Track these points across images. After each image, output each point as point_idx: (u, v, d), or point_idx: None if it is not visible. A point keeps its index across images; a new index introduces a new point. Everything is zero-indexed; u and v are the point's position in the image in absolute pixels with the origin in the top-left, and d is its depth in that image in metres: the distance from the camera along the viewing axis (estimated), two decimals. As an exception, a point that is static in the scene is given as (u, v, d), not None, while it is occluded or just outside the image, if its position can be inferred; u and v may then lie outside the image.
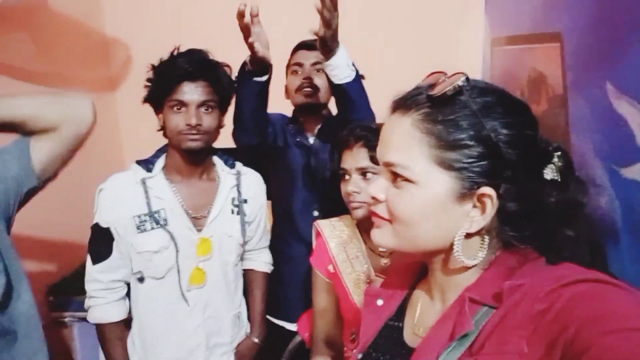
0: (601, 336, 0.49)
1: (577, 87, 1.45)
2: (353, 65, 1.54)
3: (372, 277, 1.30)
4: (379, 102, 1.74)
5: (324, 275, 1.34)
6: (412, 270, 0.84)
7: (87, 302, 1.45)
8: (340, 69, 1.50)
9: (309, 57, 1.77)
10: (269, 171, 1.86)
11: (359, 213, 1.26)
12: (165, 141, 1.50)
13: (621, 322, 0.49)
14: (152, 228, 1.39)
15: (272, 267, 1.73)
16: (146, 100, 1.46)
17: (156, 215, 1.39)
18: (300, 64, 1.78)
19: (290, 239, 1.83)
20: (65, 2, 2.35)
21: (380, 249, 1.31)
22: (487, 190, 0.64)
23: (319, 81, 1.75)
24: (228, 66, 1.50)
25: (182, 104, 1.38)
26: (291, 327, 1.79)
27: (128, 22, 2.76)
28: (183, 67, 1.37)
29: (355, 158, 1.25)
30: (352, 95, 1.54)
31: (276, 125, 1.86)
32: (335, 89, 1.57)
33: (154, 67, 1.44)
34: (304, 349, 1.54)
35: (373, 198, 0.70)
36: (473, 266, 0.68)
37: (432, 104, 0.65)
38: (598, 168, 1.27)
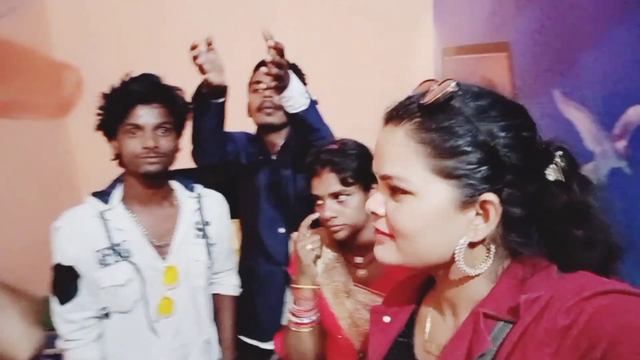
0: (637, 356, 0.46)
1: (526, 93, 1.52)
2: (307, 92, 1.56)
3: (350, 287, 1.31)
4: (332, 114, 1.79)
5: None
6: (417, 283, 0.81)
7: (63, 345, 1.39)
8: (295, 99, 1.51)
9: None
10: (237, 189, 1.85)
11: (342, 235, 1.26)
12: (120, 171, 1.46)
13: None
14: (116, 261, 1.35)
15: (240, 290, 1.70)
16: (98, 127, 1.42)
17: (118, 247, 1.36)
18: (260, 82, 1.74)
19: (258, 257, 1.82)
20: (10, 28, 2.27)
21: (357, 260, 1.33)
22: (489, 196, 0.61)
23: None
24: (180, 90, 1.49)
25: (138, 127, 1.35)
26: (264, 346, 1.78)
27: (77, 45, 2.67)
28: (137, 90, 1.36)
29: (325, 184, 1.25)
30: (309, 121, 1.55)
31: (239, 143, 1.85)
32: (292, 118, 1.58)
33: (104, 94, 1.41)
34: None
35: (373, 213, 0.68)
36: (478, 277, 0.65)
37: (425, 113, 0.63)
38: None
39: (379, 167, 0.67)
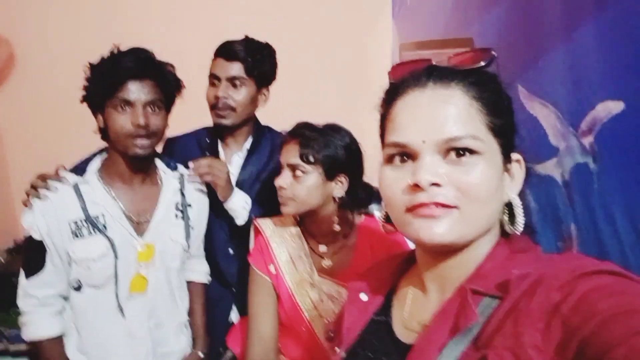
0: (631, 336, 0.45)
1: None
2: (247, 203, 1.55)
3: (315, 278, 1.27)
4: (289, 105, 1.72)
5: (265, 274, 1.29)
6: (395, 263, 0.80)
7: (21, 319, 1.35)
8: (237, 211, 1.52)
9: (226, 70, 1.58)
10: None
11: (287, 209, 1.24)
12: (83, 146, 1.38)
13: None
14: (90, 234, 1.32)
15: (210, 278, 1.63)
16: (85, 99, 1.36)
17: (94, 220, 1.32)
18: (216, 77, 1.59)
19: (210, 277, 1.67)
20: None
21: (321, 249, 1.28)
22: (518, 155, 0.66)
23: (236, 98, 1.58)
24: (172, 66, 1.42)
25: (128, 103, 1.30)
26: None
27: (9, 16, 2.46)
28: (128, 65, 1.30)
29: (288, 153, 1.23)
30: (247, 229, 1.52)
31: (188, 149, 1.66)
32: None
33: (92, 66, 1.34)
34: (236, 364, 1.46)
35: (433, 184, 0.60)
36: (475, 253, 0.65)
37: (477, 73, 0.65)
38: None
39: (440, 129, 0.61)
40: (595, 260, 0.57)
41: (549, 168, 1.24)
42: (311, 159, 1.20)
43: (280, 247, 1.30)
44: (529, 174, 1.32)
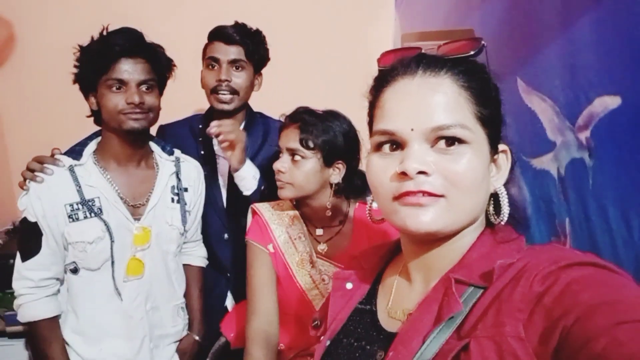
0: (613, 327, 0.45)
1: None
2: (256, 173, 1.54)
3: (314, 258, 1.29)
4: (288, 94, 1.71)
5: (264, 248, 1.31)
6: (381, 252, 0.81)
7: (17, 301, 1.35)
8: (247, 180, 1.52)
9: (227, 53, 1.58)
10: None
11: (284, 193, 1.25)
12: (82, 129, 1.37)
13: (633, 313, 0.46)
14: (86, 217, 1.33)
15: (207, 262, 1.64)
16: (76, 81, 1.36)
17: (90, 203, 1.33)
18: (216, 60, 1.58)
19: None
20: None
21: (317, 232, 1.30)
22: (504, 146, 0.66)
23: (238, 81, 1.58)
24: (161, 47, 1.43)
25: (122, 82, 1.31)
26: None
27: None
28: (119, 43, 1.30)
29: (287, 138, 1.25)
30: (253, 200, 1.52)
31: (181, 137, 1.66)
32: (240, 194, 1.56)
33: (83, 47, 1.34)
34: (229, 350, 1.48)
35: (421, 173, 0.60)
36: (461, 243, 0.65)
37: (466, 62, 0.64)
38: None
39: (428, 118, 0.61)
40: (577, 251, 0.58)
41: (545, 162, 1.24)
42: (310, 144, 1.22)
43: (279, 228, 1.32)
44: (525, 167, 1.33)
